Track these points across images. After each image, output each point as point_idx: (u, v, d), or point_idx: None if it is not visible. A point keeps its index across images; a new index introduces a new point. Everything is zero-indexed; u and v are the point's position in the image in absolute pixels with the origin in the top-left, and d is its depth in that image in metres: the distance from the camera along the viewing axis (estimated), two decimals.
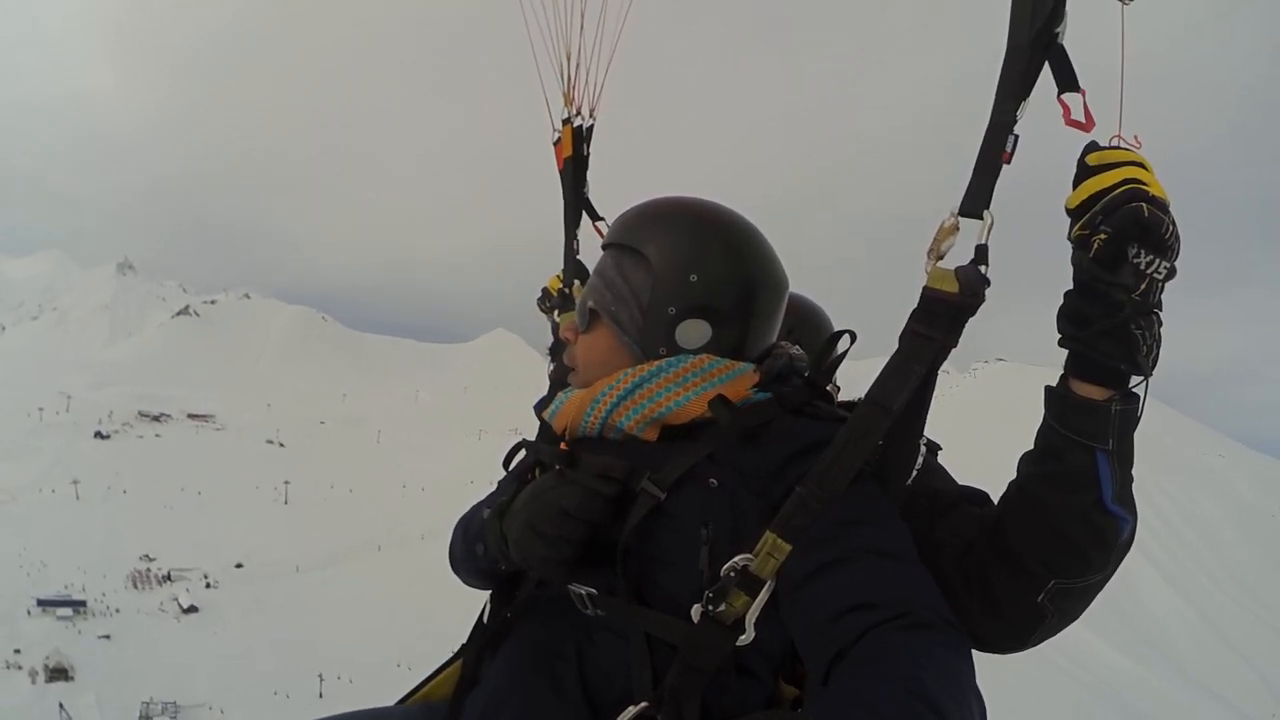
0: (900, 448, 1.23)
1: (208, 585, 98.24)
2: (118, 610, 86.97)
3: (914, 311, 1.15)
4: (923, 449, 1.25)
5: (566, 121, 1.92)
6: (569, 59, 1.86)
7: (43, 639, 76.48)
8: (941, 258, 1.15)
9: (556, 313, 1.97)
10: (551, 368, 1.99)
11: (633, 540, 1.24)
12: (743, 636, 1.12)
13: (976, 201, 1.13)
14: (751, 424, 1.26)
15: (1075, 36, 1.12)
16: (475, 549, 1.44)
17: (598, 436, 1.37)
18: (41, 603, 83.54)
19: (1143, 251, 1.05)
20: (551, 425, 1.46)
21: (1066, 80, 1.12)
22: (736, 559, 1.12)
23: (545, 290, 2.08)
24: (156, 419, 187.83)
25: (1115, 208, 1.04)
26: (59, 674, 71.65)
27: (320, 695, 69.99)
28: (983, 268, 1.14)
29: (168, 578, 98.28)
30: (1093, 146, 1.13)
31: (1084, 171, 1.11)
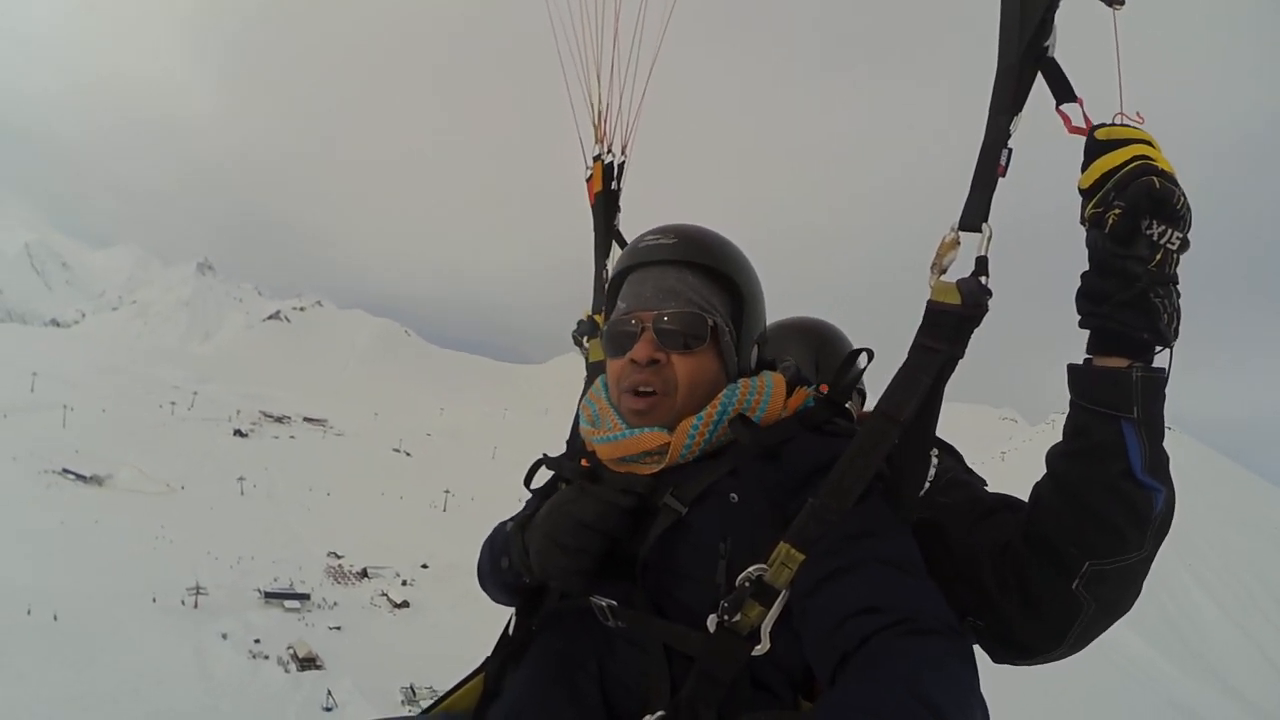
0: (911, 459, 1.23)
1: (404, 583, 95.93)
2: (336, 603, 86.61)
3: (920, 325, 1.19)
4: (934, 460, 1.24)
5: (598, 159, 1.99)
6: (600, 99, 1.93)
7: (277, 630, 75.32)
8: (944, 272, 1.18)
9: (585, 339, 1.93)
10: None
11: (652, 553, 1.25)
12: (758, 647, 1.12)
13: (975, 215, 1.15)
14: (772, 442, 1.28)
15: (1069, 43, 1.12)
16: (500, 563, 1.46)
17: None
18: (267, 595, 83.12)
19: (1155, 223, 1.05)
20: (595, 449, 1.43)
21: (1063, 91, 1.12)
22: (751, 569, 1.14)
23: (582, 322, 2.04)
24: (279, 420, 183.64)
25: (1127, 183, 1.04)
26: (308, 663, 70.19)
27: None
28: (983, 279, 1.15)
29: (364, 574, 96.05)
30: (1101, 125, 1.13)
31: (1094, 149, 1.10)
